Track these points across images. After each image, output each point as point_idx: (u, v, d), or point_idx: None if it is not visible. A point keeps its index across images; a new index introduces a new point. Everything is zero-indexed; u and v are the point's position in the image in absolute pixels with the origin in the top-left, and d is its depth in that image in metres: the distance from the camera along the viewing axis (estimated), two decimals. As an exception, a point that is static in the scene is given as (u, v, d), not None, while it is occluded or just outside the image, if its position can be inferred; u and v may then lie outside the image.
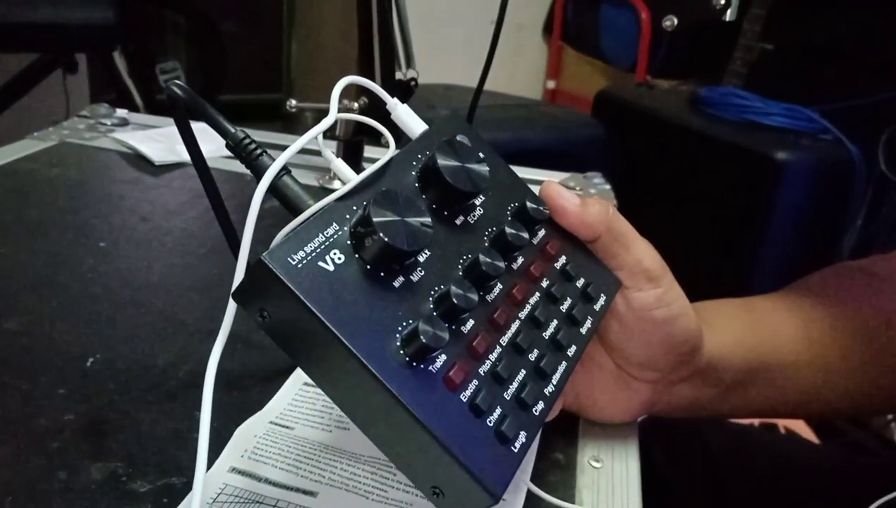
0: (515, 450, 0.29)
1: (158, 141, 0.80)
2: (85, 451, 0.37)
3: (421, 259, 0.30)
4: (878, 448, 1.41)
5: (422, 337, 0.27)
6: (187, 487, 0.36)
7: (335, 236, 0.28)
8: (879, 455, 1.37)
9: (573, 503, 0.38)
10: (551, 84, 2.97)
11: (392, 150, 0.32)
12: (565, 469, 0.40)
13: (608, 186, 0.83)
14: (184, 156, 0.77)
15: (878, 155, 1.56)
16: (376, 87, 0.33)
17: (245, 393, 0.43)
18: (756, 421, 0.91)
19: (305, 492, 0.36)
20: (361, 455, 0.38)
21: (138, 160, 0.77)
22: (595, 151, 1.62)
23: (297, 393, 0.43)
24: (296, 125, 0.84)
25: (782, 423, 1.08)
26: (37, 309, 0.49)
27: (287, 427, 0.40)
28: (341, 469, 0.37)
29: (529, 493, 0.37)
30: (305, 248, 0.27)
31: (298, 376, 0.45)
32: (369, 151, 0.79)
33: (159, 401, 0.42)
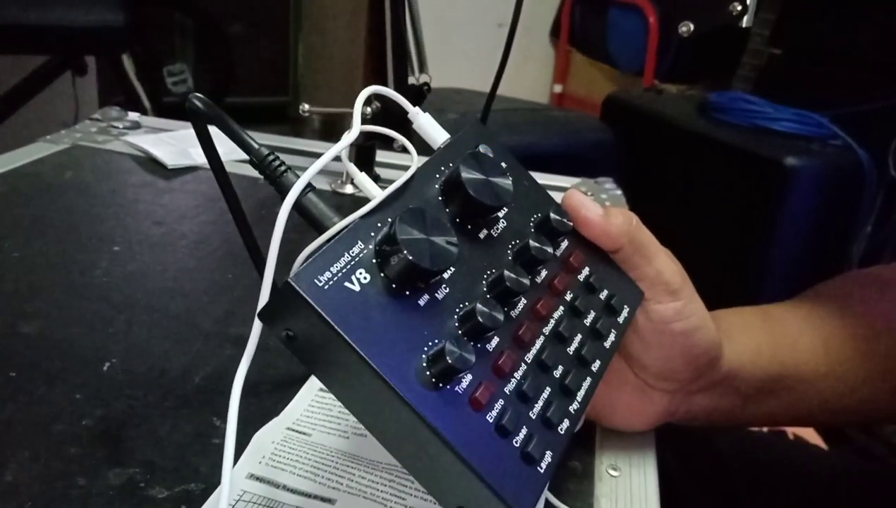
0: (542, 471, 0.29)
1: (171, 144, 0.80)
2: (103, 457, 0.37)
3: (445, 276, 0.30)
4: (886, 454, 1.40)
5: (448, 359, 0.27)
6: (205, 493, 0.36)
7: (360, 255, 0.28)
8: (887, 461, 1.37)
9: (591, 512, 0.37)
10: (558, 88, 2.97)
11: (415, 164, 0.31)
12: (583, 477, 0.40)
13: (619, 191, 0.83)
14: (196, 159, 0.77)
15: (888, 160, 1.56)
16: (398, 97, 0.33)
17: (262, 398, 0.43)
18: (765, 427, 0.91)
19: (324, 499, 0.36)
20: (379, 463, 0.38)
21: (151, 163, 0.77)
22: (604, 156, 1.62)
23: (313, 398, 0.43)
24: (303, 128, 0.83)
25: (790, 429, 1.07)
26: (51, 312, 0.49)
27: (304, 434, 0.40)
28: (359, 477, 0.37)
29: (548, 502, 0.37)
30: (332, 269, 0.27)
31: (314, 382, 0.45)
32: (381, 155, 0.79)
33: (176, 407, 0.42)
